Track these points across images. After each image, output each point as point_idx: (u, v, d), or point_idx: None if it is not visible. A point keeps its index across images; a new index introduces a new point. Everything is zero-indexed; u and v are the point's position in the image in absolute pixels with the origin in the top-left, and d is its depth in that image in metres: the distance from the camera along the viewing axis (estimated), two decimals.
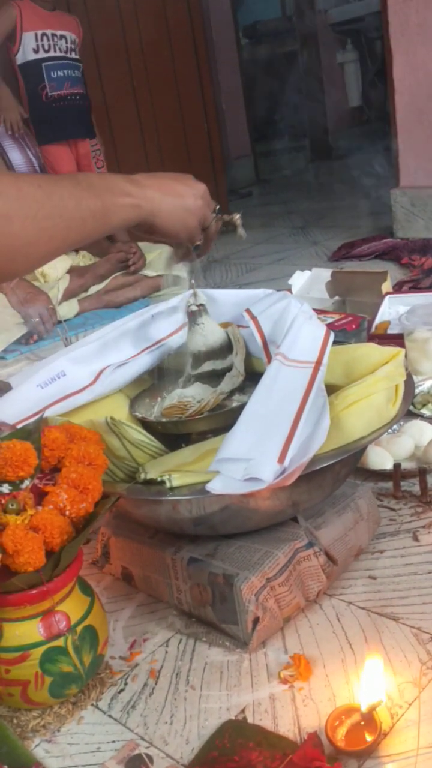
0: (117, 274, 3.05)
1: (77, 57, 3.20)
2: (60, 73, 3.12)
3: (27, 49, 3.06)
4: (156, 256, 3.14)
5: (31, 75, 3.09)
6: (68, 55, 3.16)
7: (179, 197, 1.05)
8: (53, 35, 3.10)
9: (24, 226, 0.84)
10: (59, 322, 2.67)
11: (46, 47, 3.08)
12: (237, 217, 1.19)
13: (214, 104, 4.24)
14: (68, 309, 2.86)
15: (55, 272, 2.90)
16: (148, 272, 3.08)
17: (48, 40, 3.08)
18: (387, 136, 3.29)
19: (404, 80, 3.04)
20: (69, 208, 0.89)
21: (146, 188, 1.01)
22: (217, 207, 1.13)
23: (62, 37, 3.12)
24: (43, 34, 3.07)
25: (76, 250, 3.14)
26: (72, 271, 2.99)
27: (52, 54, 3.10)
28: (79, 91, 3.22)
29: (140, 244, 3.13)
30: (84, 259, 3.14)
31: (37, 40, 3.06)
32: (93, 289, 3.00)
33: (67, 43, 3.15)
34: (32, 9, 3.09)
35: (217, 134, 4.24)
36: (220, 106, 4.68)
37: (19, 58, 3.08)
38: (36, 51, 3.06)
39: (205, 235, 1.13)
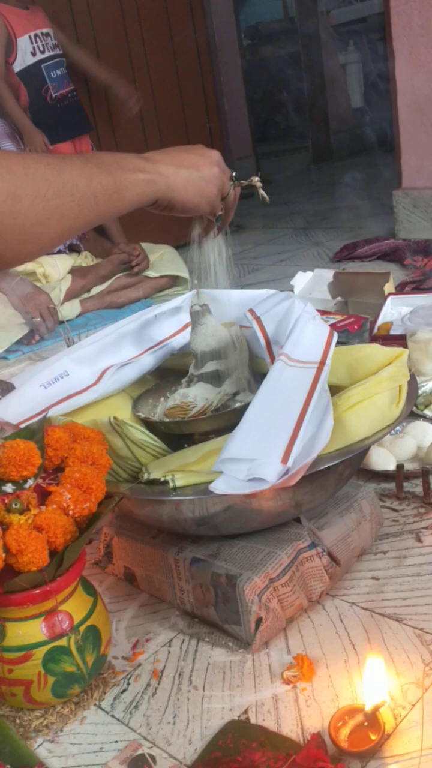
0: (119, 274, 3.05)
1: (61, 52, 3.15)
2: (58, 72, 3.07)
3: (26, 54, 2.99)
4: (158, 257, 3.14)
5: (33, 79, 3.02)
6: (57, 52, 3.10)
7: (195, 168, 1.01)
8: (43, 34, 3.03)
9: (34, 205, 0.81)
10: (61, 322, 2.66)
11: (42, 48, 3.01)
12: (256, 180, 1.15)
13: (216, 105, 4.24)
14: (70, 309, 2.86)
15: (57, 272, 2.90)
16: (150, 273, 3.08)
17: (41, 40, 3.02)
18: (389, 138, 3.29)
19: (406, 81, 3.04)
20: (80, 185, 0.86)
21: (159, 163, 0.97)
22: (234, 173, 1.09)
23: (47, 34, 3.06)
24: (36, 35, 3.00)
25: (78, 251, 3.14)
26: (74, 271, 2.99)
27: (48, 54, 3.03)
28: (74, 87, 3.19)
29: (143, 245, 3.13)
30: (86, 259, 3.14)
31: (32, 42, 3.00)
32: (95, 290, 3.00)
33: (52, 39, 3.09)
34: (14, 12, 3.01)
35: (219, 135, 4.23)
36: (222, 107, 4.68)
37: (18, 65, 3.00)
38: (34, 54, 2.99)
39: (225, 204, 1.10)
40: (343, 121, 5.85)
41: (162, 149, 1.02)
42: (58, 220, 0.84)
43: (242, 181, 1.12)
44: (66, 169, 0.86)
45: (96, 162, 0.90)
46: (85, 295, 2.97)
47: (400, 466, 1.40)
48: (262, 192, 1.16)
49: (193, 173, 1.01)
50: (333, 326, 1.83)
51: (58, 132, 3.09)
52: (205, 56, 4.08)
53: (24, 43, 2.98)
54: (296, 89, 5.66)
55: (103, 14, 3.57)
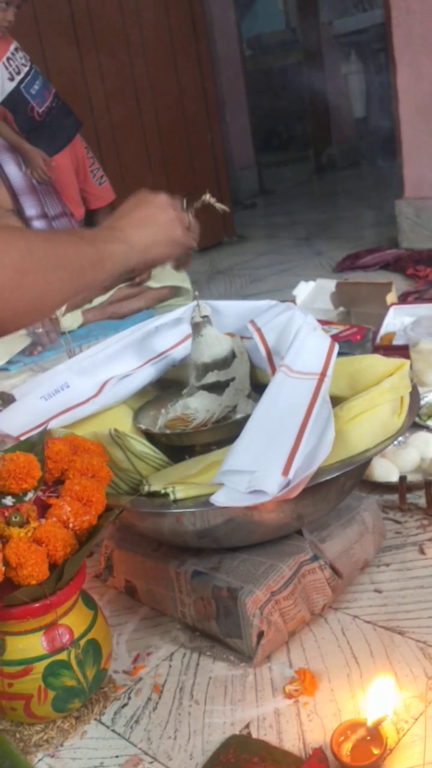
0: (121, 285, 3.05)
1: (29, 62, 3.01)
2: (36, 86, 2.98)
3: (4, 83, 2.92)
4: (160, 269, 3.13)
5: (17, 103, 2.93)
6: (28, 65, 3.00)
7: (153, 221, 1.07)
8: (13, 54, 2.94)
9: (36, 279, 0.86)
10: (63, 333, 2.66)
11: (16, 69, 2.93)
12: (208, 197, 1.18)
13: (218, 115, 4.25)
14: (72, 320, 2.86)
15: None
16: (152, 284, 3.08)
17: (13, 62, 2.94)
18: (391, 147, 3.29)
19: (408, 91, 3.05)
20: (71, 257, 0.92)
21: (124, 230, 1.03)
22: (184, 200, 1.13)
23: (16, 49, 2.96)
24: (8, 59, 2.92)
25: None
26: None
27: (22, 74, 2.95)
28: (54, 91, 3.11)
29: None
30: None
31: (7, 68, 2.92)
32: (97, 301, 2.99)
33: (19, 53, 2.99)
34: None
35: (221, 145, 4.24)
36: (224, 117, 4.69)
37: None
38: (11, 79, 2.93)
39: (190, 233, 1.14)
40: (345, 131, 5.86)
41: (117, 212, 1.09)
42: (56, 292, 0.90)
43: (195, 204, 1.16)
44: (58, 242, 0.92)
45: (78, 235, 0.98)
46: (87, 306, 2.96)
47: (402, 478, 1.40)
48: (218, 205, 1.19)
49: (155, 228, 1.07)
50: (335, 336, 1.83)
51: (55, 142, 3.08)
52: (207, 66, 4.09)
53: (0, 72, 2.94)
54: (298, 99, 5.68)
55: (103, 23, 3.58)
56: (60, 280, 0.90)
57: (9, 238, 0.85)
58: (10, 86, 2.94)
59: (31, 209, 2.87)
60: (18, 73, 2.95)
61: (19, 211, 2.87)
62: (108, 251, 0.98)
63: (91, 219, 3.29)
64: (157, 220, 1.07)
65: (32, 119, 3.01)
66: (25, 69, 2.97)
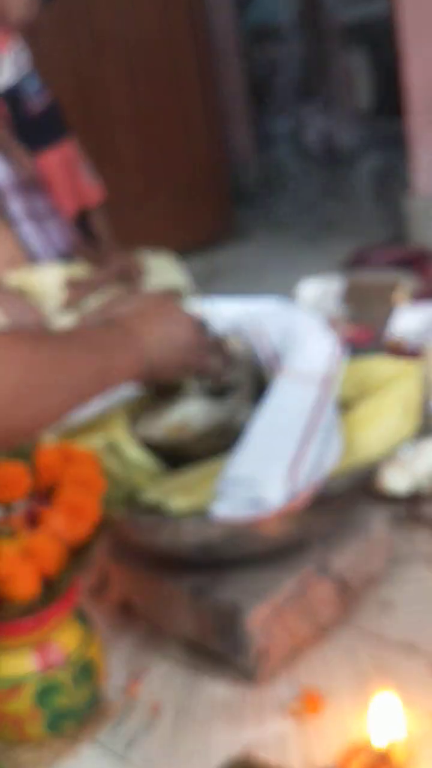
0: (116, 286, 3.03)
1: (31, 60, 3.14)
2: (35, 85, 3.08)
3: (6, 74, 3.01)
4: (156, 265, 3.12)
5: (17, 95, 3.04)
6: (29, 65, 3.10)
7: (170, 340, 1.02)
8: (21, 51, 3.04)
9: (34, 400, 0.84)
10: None
11: (22, 66, 3.03)
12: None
13: (218, 110, 4.24)
14: (66, 323, 2.84)
15: (51, 285, 2.88)
16: (148, 283, 3.06)
17: (20, 58, 3.03)
18: (399, 141, 3.27)
19: (417, 83, 3.03)
20: (76, 374, 0.88)
21: (141, 337, 0.98)
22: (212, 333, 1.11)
23: (23, 48, 3.07)
24: (16, 54, 3.01)
25: (72, 261, 3.13)
26: (69, 282, 2.96)
27: (25, 72, 3.04)
28: (51, 92, 3.18)
29: (140, 251, 3.11)
30: (80, 269, 3.12)
31: (14, 62, 2.98)
32: (92, 302, 2.98)
33: (24, 51, 3.03)
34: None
35: (221, 140, 4.23)
36: (224, 112, 4.67)
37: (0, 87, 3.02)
38: (15, 73, 2.98)
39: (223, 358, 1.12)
40: (350, 123, 5.84)
41: (139, 309, 1.04)
42: (53, 413, 0.88)
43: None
44: (67, 356, 0.88)
45: (95, 345, 0.92)
46: (83, 308, 2.94)
47: (412, 488, 1.36)
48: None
49: (170, 348, 1.02)
50: (341, 338, 1.80)
51: (43, 142, 3.11)
52: (205, 60, 4.08)
53: (6, 62, 3.00)
54: (301, 92, 5.65)
55: (102, 19, 3.57)
56: (60, 400, 0.87)
57: (15, 349, 0.82)
58: (14, 80, 2.99)
59: (15, 210, 2.88)
60: (22, 70, 3.01)
61: (3, 212, 2.88)
62: (117, 363, 0.94)
63: (85, 222, 3.30)
64: (173, 339, 1.03)
65: (28, 115, 3.05)
66: (29, 68, 3.03)
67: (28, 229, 2.85)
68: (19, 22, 2.88)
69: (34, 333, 0.97)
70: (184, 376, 1.09)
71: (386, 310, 2.12)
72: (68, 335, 0.93)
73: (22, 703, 0.97)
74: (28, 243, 2.84)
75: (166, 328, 1.02)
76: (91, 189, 3.29)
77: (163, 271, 3.07)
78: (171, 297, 1.07)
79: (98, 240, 3.25)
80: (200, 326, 1.08)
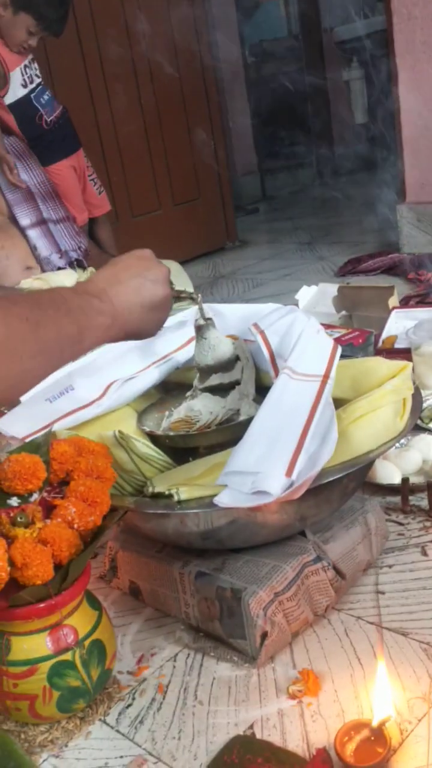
0: None
1: (41, 78, 3.09)
2: (45, 97, 3.05)
3: (17, 87, 2.97)
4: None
5: (26, 109, 3.01)
6: (39, 78, 3.06)
7: (146, 298, 1.02)
8: (29, 64, 3.00)
9: (11, 367, 0.81)
10: None
11: (30, 78, 2.99)
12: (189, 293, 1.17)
13: (221, 121, 4.27)
14: None
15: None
16: None
17: (30, 70, 2.99)
18: (393, 153, 3.30)
19: (410, 97, 3.06)
20: (50, 341, 0.86)
21: (113, 298, 0.98)
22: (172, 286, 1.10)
23: (32, 60, 3.02)
24: (25, 66, 2.97)
25: (83, 267, 3.15)
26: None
27: (35, 83, 3.01)
28: (63, 105, 3.17)
29: None
30: (90, 275, 3.15)
31: (23, 74, 2.97)
32: None
33: (34, 63, 3.05)
34: (3, 47, 2.93)
35: (223, 151, 4.26)
36: (226, 124, 4.70)
37: (9, 98, 2.97)
38: (24, 86, 2.97)
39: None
40: (346, 136, 5.87)
41: (111, 268, 1.02)
42: (30, 378, 0.86)
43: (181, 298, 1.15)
44: (41, 323, 0.85)
45: (65, 309, 0.90)
46: None
47: (405, 480, 1.40)
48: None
49: (146, 308, 1.02)
50: (337, 340, 1.83)
51: (56, 152, 3.11)
52: (210, 73, 4.11)
53: (16, 76, 2.99)
54: (300, 105, 5.68)
55: (109, 36, 3.59)
56: (36, 368, 0.85)
57: None
58: (23, 92, 3.00)
59: (25, 218, 2.90)
60: (31, 82, 3.02)
61: (13, 220, 2.89)
62: (90, 328, 0.93)
63: (92, 229, 3.32)
64: (149, 298, 1.02)
65: (39, 126, 3.06)
66: (38, 80, 3.03)
67: (39, 236, 2.88)
68: (23, 50, 2.91)
69: (8, 295, 0.94)
70: (150, 335, 1.07)
71: (380, 313, 2.15)
72: (41, 299, 0.89)
73: (36, 685, 1.00)
74: (39, 249, 2.87)
75: (141, 288, 1.02)
76: (98, 199, 3.32)
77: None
78: (144, 255, 1.06)
79: (103, 248, 3.28)
80: (154, 257, 1.06)
